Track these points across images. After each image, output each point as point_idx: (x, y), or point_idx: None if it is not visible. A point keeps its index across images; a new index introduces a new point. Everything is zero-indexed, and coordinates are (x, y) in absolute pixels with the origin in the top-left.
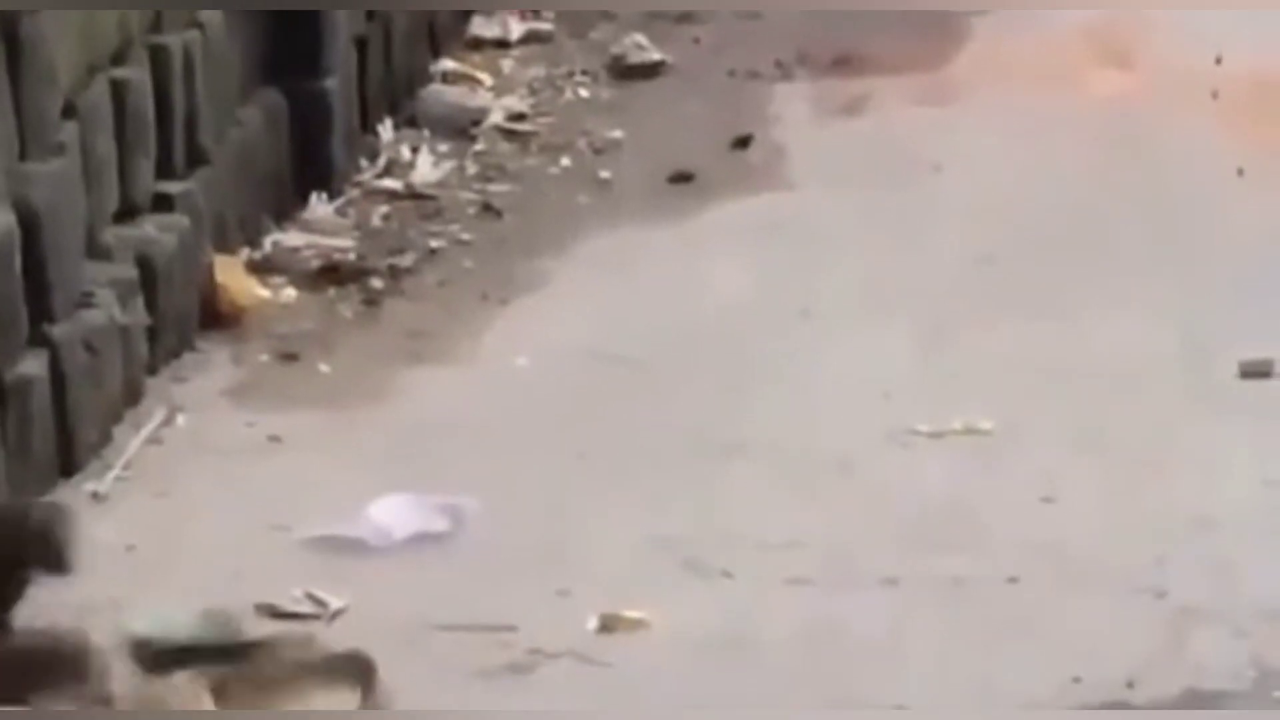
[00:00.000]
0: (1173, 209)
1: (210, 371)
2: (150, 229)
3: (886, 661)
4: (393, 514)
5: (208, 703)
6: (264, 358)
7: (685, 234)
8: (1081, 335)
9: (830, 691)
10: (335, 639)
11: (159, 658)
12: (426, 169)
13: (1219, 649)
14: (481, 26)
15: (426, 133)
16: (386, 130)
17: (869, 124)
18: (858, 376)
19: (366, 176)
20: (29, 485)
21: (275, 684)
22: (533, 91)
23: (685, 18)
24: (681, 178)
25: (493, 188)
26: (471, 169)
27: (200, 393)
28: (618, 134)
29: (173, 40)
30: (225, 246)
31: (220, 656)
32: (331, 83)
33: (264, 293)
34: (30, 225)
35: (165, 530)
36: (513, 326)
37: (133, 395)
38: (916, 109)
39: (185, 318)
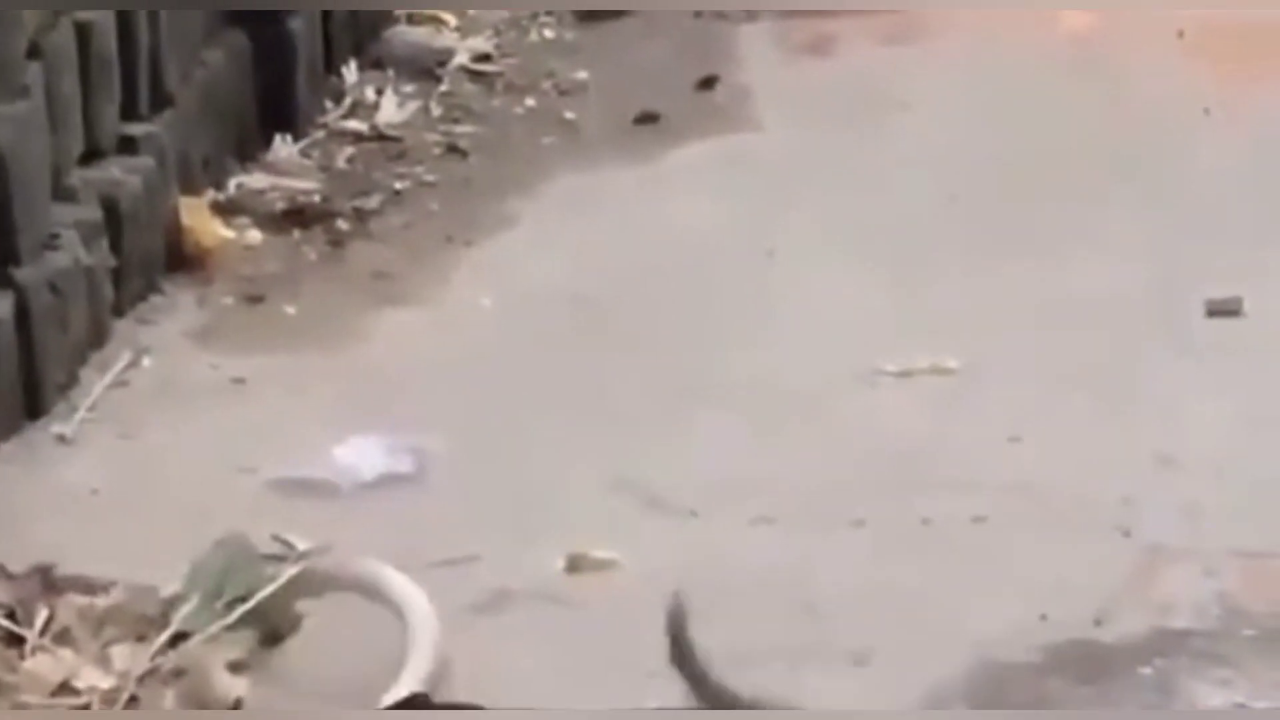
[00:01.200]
0: (1140, 148)
1: (175, 314)
2: (115, 171)
3: (854, 601)
4: (359, 455)
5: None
6: (229, 300)
7: (651, 175)
8: (1049, 274)
9: (798, 631)
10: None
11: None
12: (391, 110)
13: (1187, 587)
14: None
15: (391, 74)
16: (351, 72)
17: (835, 63)
18: (824, 316)
19: (331, 118)
20: None
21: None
22: (498, 33)
23: None
24: (647, 118)
25: (458, 129)
26: (437, 110)
27: (166, 335)
28: (583, 75)
29: None
30: (190, 189)
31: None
32: (296, 24)
33: (229, 235)
34: None
35: (130, 473)
36: (478, 268)
37: (98, 338)
38: (883, 48)
39: (150, 260)
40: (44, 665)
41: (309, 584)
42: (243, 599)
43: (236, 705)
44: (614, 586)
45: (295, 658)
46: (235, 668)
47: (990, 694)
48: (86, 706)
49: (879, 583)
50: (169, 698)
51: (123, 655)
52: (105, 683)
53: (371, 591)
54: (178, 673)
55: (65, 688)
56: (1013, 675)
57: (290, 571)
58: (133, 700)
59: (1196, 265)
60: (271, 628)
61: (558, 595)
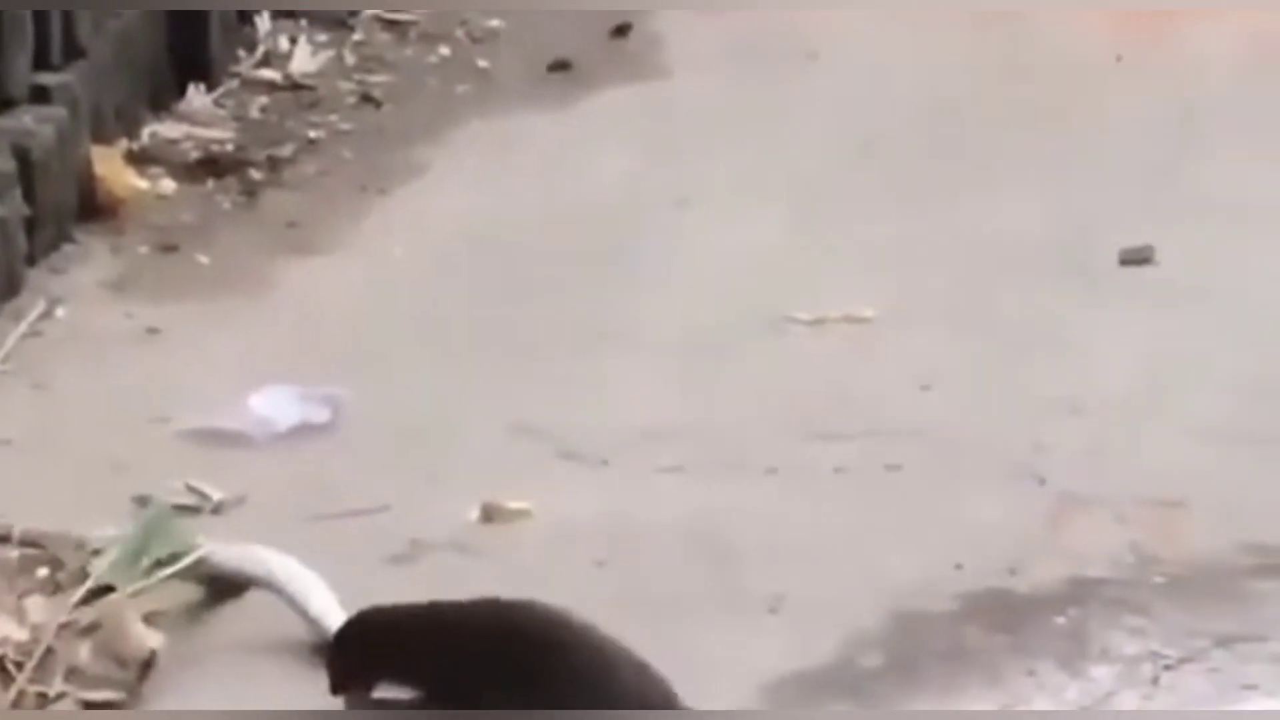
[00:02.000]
0: (1052, 95)
1: (89, 263)
2: (28, 121)
3: (767, 550)
4: (273, 405)
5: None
6: (143, 249)
7: (564, 123)
8: (961, 222)
9: (711, 580)
10: (215, 529)
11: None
12: (305, 59)
13: (1099, 535)
14: None
15: (304, 23)
16: (264, 21)
17: (746, 13)
18: (736, 264)
19: (244, 67)
20: None
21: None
22: None
23: None
24: (560, 66)
25: (371, 78)
26: (350, 59)
27: (79, 285)
28: (496, 23)
29: None
30: (103, 138)
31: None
32: None
33: (142, 184)
34: None
35: (45, 423)
36: (392, 216)
37: (11, 287)
38: None
39: (64, 210)
40: None
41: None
42: (164, 563)
43: (151, 658)
44: (528, 535)
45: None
46: (151, 620)
47: (906, 643)
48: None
49: (792, 531)
50: (84, 651)
51: (38, 608)
52: (20, 635)
53: (270, 585)
54: (93, 626)
55: None
56: (928, 624)
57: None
58: (49, 653)
59: (1109, 214)
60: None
61: (471, 545)
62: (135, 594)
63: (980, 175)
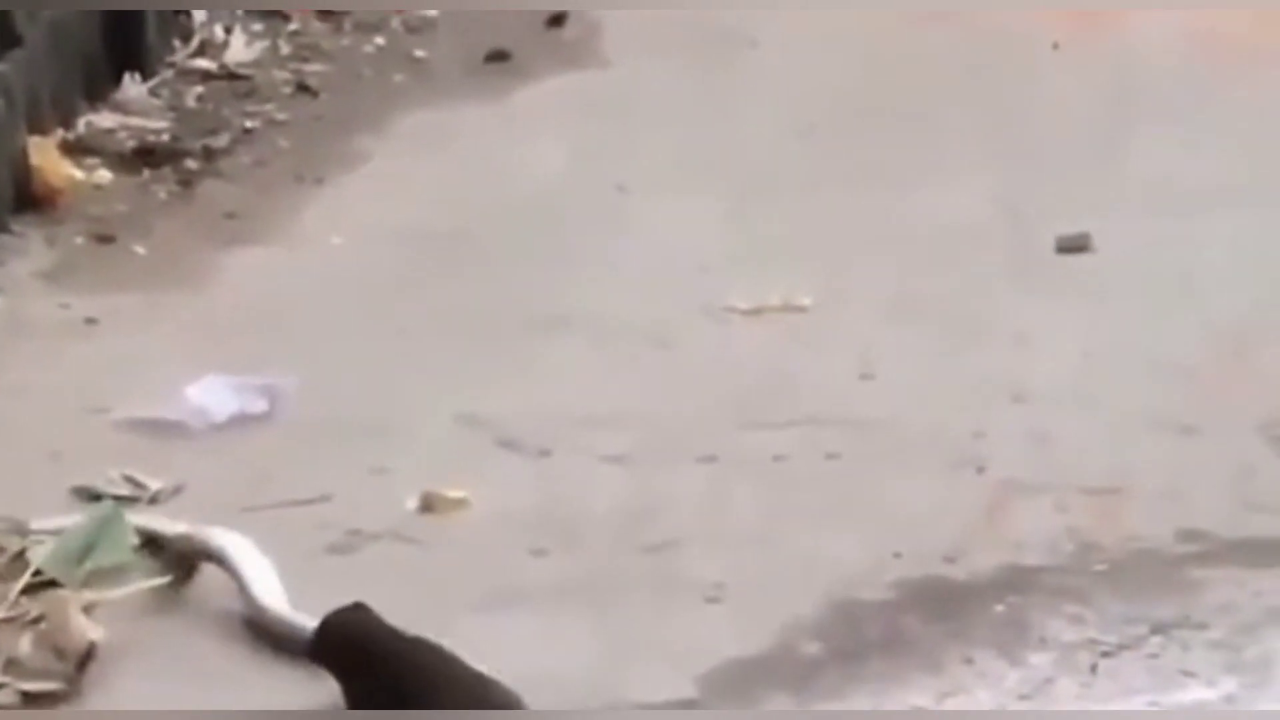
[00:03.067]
0: (990, 82)
1: (25, 254)
2: None
3: (706, 539)
4: (211, 395)
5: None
6: (79, 240)
7: (501, 112)
8: (900, 209)
9: (650, 569)
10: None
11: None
12: (240, 49)
13: (1038, 523)
14: None
15: (240, 12)
16: (199, 10)
17: (684, 1)
18: (674, 252)
19: (180, 57)
20: None
21: None
22: None
23: None
24: (497, 56)
25: (307, 67)
26: (285, 48)
27: (15, 275)
28: (432, 13)
29: None
30: (38, 128)
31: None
32: None
33: (78, 174)
34: None
35: None
36: (329, 206)
37: None
38: None
39: None
40: None
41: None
42: (105, 571)
43: (91, 650)
44: (467, 525)
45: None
46: (91, 612)
47: (844, 631)
48: None
49: (731, 520)
50: (24, 642)
51: None
52: None
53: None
54: (36, 619)
55: None
56: (867, 612)
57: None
58: None
59: (1047, 200)
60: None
61: (410, 534)
62: (77, 586)
63: (918, 163)
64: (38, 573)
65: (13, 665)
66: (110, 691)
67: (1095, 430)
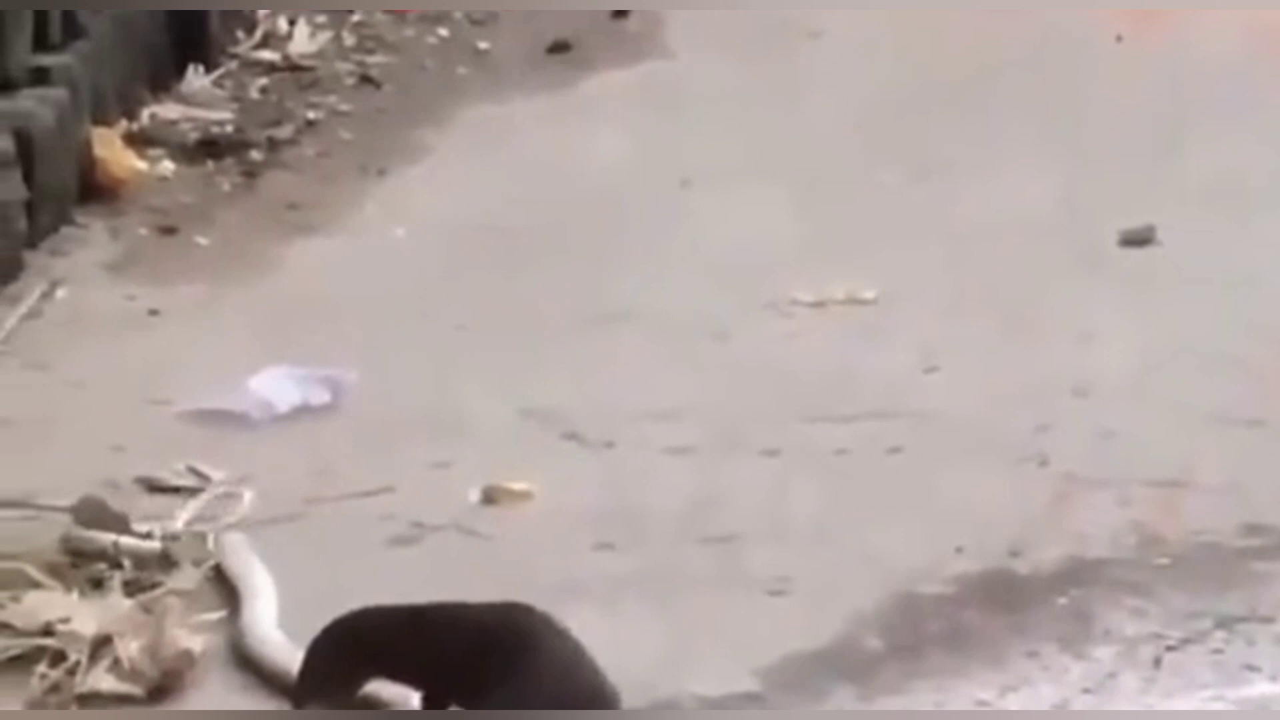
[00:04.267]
0: (1053, 75)
1: (89, 245)
2: (27, 102)
3: (769, 532)
4: (273, 387)
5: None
6: (143, 231)
7: (564, 104)
8: (964, 203)
9: (713, 562)
10: (219, 513)
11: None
12: (304, 40)
13: (1101, 516)
14: None
15: None
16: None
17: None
18: (738, 245)
19: (244, 48)
20: None
21: None
22: None
23: None
24: (560, 48)
25: (371, 59)
26: (349, 40)
27: (79, 267)
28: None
29: None
30: (103, 120)
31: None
32: None
33: (142, 166)
34: None
35: (45, 405)
36: (391, 197)
37: (11, 270)
38: None
39: (63, 191)
40: (43, 603)
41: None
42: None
43: (187, 658)
44: (530, 517)
45: None
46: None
47: (907, 625)
48: (62, 655)
49: (794, 513)
50: (134, 647)
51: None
52: (88, 628)
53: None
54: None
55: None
56: (929, 606)
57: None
58: (106, 642)
59: (1110, 194)
60: None
61: (473, 527)
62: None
63: (982, 156)
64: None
65: (115, 667)
66: (189, 703)
67: (1158, 424)
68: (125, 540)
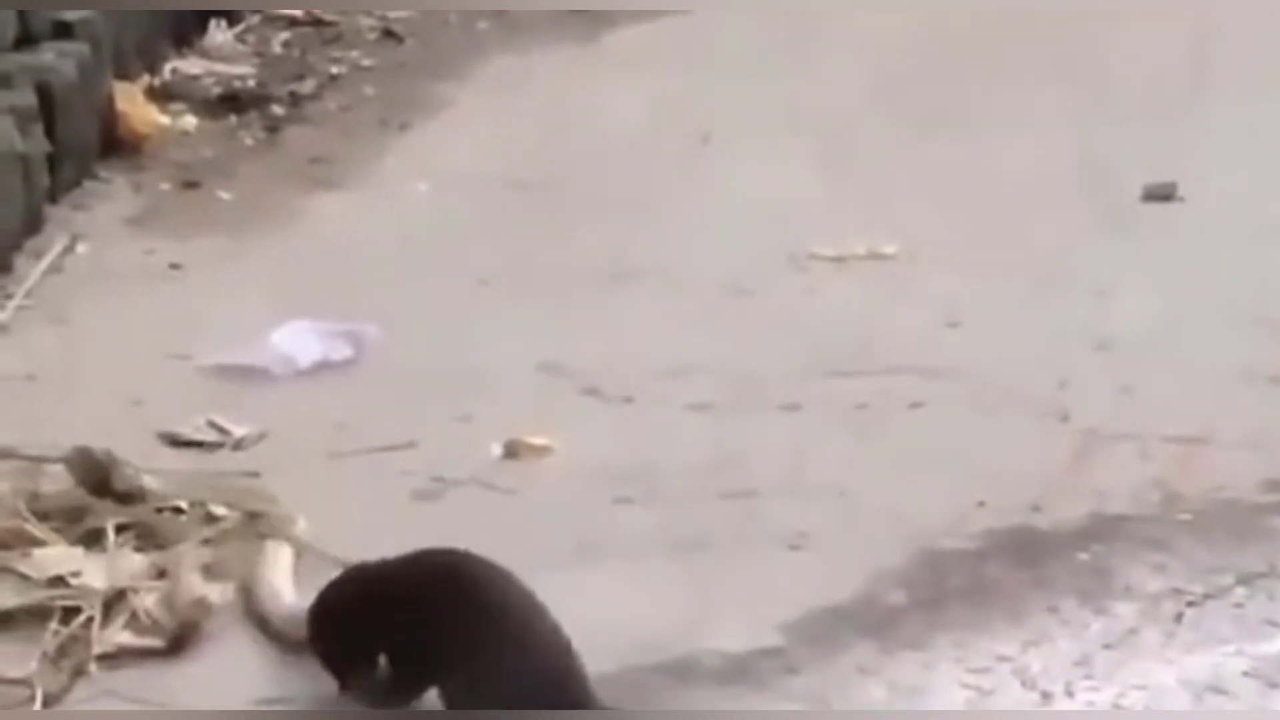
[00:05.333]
0: (1076, 33)
1: (111, 199)
2: (50, 57)
3: (790, 487)
4: (295, 341)
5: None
6: (165, 185)
7: (585, 59)
8: (985, 159)
9: (734, 518)
10: (239, 465)
11: None
12: None
13: (1123, 472)
14: None
15: None
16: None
17: None
18: (759, 201)
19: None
20: None
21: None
22: None
23: None
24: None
25: (393, 13)
26: None
27: (101, 221)
28: None
29: None
30: (125, 74)
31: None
32: None
33: (164, 120)
34: None
35: (66, 359)
36: (414, 152)
37: (33, 224)
38: None
39: (85, 146)
40: (51, 557)
41: None
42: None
43: (203, 608)
44: (551, 472)
45: None
46: (212, 573)
47: (928, 580)
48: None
49: (815, 468)
50: (151, 600)
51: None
52: (99, 582)
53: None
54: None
55: (59, 580)
56: (951, 561)
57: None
58: (121, 600)
59: (1133, 150)
60: None
61: (494, 481)
62: (202, 544)
63: (1003, 112)
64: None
65: (133, 620)
66: (206, 657)
67: (1180, 380)
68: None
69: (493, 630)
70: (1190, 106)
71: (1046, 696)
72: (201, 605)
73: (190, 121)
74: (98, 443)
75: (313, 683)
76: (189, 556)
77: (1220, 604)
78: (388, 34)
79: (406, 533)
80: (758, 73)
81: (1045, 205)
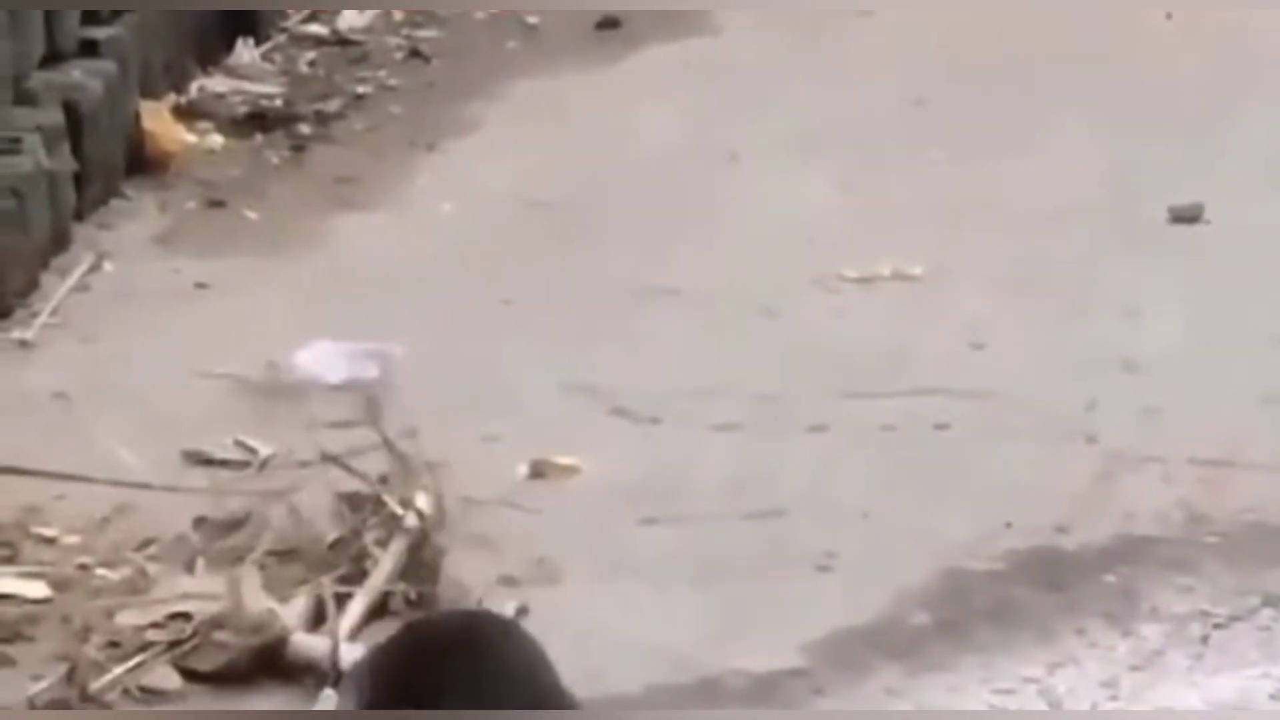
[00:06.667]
0: (1102, 52)
1: (137, 218)
2: (77, 75)
3: (815, 508)
4: (321, 360)
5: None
6: (191, 204)
7: (613, 79)
8: (1012, 179)
9: (759, 538)
10: (263, 485)
11: None
12: (353, 14)
13: (1149, 493)
14: None
15: None
16: None
17: None
18: (786, 221)
19: (293, 22)
20: None
21: None
22: None
23: None
24: (609, 23)
25: (420, 33)
26: (398, 14)
27: (127, 239)
28: None
29: None
30: (152, 93)
31: None
32: None
33: (191, 139)
34: None
35: (93, 377)
36: (440, 172)
37: (60, 242)
38: None
39: (112, 164)
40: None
41: None
42: None
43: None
44: (577, 492)
45: None
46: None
47: (954, 601)
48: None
49: (841, 489)
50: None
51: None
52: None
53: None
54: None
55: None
56: (977, 582)
57: None
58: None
59: (1159, 171)
60: None
61: (520, 502)
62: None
63: (1031, 132)
64: None
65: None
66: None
67: (1207, 401)
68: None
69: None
70: (1218, 126)
71: None
72: (270, 626)
73: (216, 140)
74: (125, 462)
75: None
76: (252, 573)
77: (1247, 626)
78: (415, 54)
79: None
80: (785, 92)
81: (1072, 226)
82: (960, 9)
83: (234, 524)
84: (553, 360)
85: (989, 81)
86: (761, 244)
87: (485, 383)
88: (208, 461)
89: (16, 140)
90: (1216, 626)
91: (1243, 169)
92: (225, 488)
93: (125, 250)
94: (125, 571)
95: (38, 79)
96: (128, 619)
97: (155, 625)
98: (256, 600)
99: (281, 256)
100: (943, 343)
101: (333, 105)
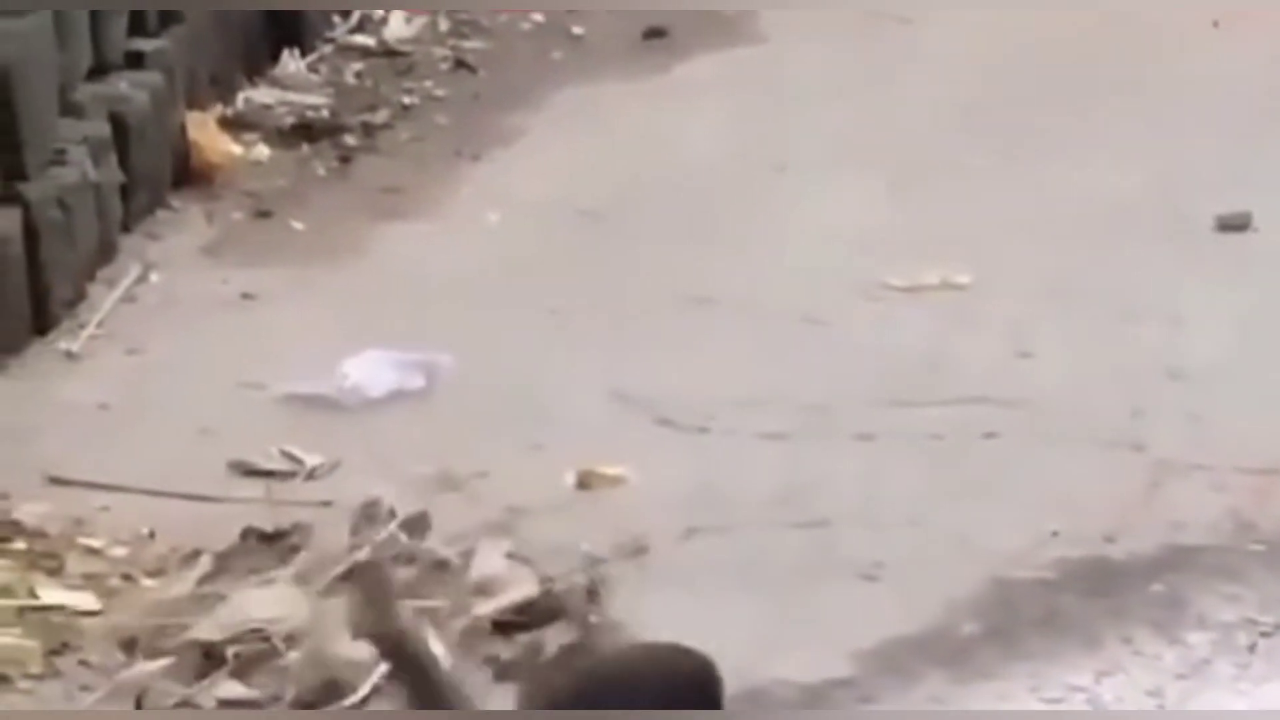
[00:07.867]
0: (1150, 60)
1: (184, 229)
2: (123, 86)
3: (863, 517)
4: (368, 370)
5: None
6: (237, 215)
7: (659, 89)
8: (1059, 188)
9: (807, 547)
10: (310, 496)
11: None
12: (399, 25)
13: (1196, 502)
14: None
15: None
16: None
17: None
18: (833, 230)
19: (339, 33)
20: (2, 343)
21: None
22: None
23: None
24: (655, 33)
25: (466, 44)
26: (444, 25)
27: (174, 250)
28: None
29: None
30: (198, 104)
31: None
32: None
33: (237, 150)
34: (2, 83)
35: (139, 388)
36: (486, 182)
37: (106, 253)
38: None
39: (158, 175)
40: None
41: None
42: None
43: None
44: (624, 502)
45: None
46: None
47: (1002, 610)
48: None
49: (888, 498)
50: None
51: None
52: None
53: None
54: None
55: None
56: (1024, 591)
57: None
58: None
59: (1207, 179)
60: None
61: (567, 511)
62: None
63: (1078, 141)
64: None
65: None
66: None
67: (1254, 410)
68: None
69: None
70: (1265, 135)
71: None
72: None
73: (263, 151)
74: (169, 471)
75: None
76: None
77: None
78: (460, 64)
79: (479, 563)
80: (832, 102)
81: (1119, 235)
82: (1007, 16)
83: (281, 535)
84: (599, 369)
85: (1035, 90)
86: (809, 253)
87: (531, 392)
88: (254, 472)
89: (63, 152)
90: (1263, 635)
91: None
92: (272, 498)
93: (172, 261)
94: (175, 583)
95: (84, 91)
96: (196, 633)
97: (231, 640)
98: (339, 638)
99: (328, 267)
100: (990, 351)
101: (379, 116)
